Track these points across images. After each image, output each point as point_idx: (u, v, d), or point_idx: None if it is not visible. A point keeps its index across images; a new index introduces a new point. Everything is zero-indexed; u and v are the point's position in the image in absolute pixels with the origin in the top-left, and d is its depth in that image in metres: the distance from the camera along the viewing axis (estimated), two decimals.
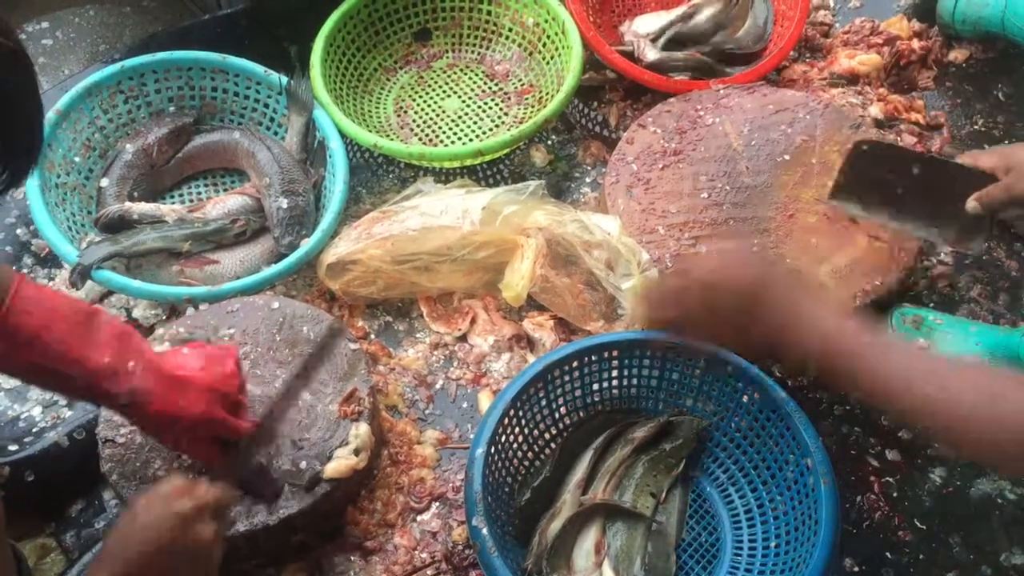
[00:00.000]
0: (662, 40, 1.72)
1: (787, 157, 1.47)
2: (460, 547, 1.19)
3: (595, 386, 1.25)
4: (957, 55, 1.78)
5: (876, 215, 1.32)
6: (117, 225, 1.42)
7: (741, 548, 1.17)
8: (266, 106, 1.59)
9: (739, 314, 1.00)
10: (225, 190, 1.57)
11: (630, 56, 1.68)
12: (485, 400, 1.33)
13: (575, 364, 1.21)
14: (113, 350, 0.97)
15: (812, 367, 1.02)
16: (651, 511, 1.18)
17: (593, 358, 1.22)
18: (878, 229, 1.36)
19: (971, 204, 1.20)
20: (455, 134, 1.66)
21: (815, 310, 0.98)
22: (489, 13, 1.74)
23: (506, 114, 1.68)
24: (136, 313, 1.39)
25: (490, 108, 1.70)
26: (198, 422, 1.03)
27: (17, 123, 0.77)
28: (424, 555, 1.19)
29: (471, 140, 1.64)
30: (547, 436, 1.24)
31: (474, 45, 1.77)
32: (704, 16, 1.76)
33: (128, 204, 1.45)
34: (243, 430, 1.10)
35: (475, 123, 1.67)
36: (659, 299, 1.13)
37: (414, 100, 1.71)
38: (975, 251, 1.33)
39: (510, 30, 1.74)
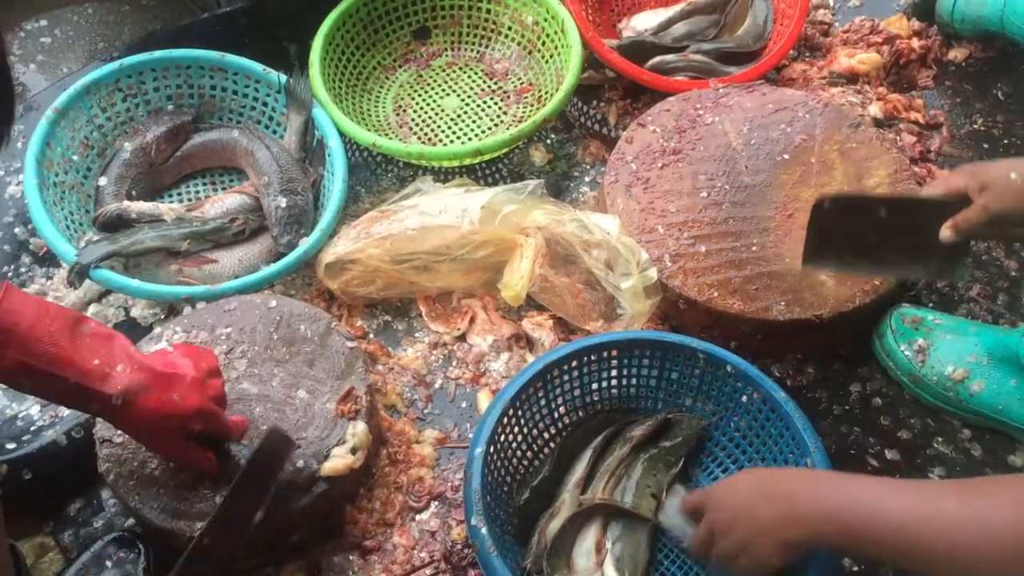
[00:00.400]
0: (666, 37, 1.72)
1: (786, 156, 1.47)
2: (459, 546, 1.19)
3: (594, 386, 1.25)
4: (956, 54, 1.78)
5: (854, 269, 1.29)
6: (115, 224, 1.41)
7: None
8: (265, 105, 1.59)
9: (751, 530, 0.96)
10: (224, 189, 1.56)
11: (631, 47, 1.68)
12: (484, 399, 1.33)
13: (574, 364, 1.21)
14: (102, 353, 0.97)
15: (832, 543, 0.93)
16: (653, 512, 1.18)
17: (592, 358, 1.22)
18: None
19: (945, 233, 1.14)
20: (454, 133, 1.66)
21: (810, 484, 0.95)
22: (488, 11, 1.74)
23: (505, 113, 1.68)
24: (134, 312, 1.39)
25: (489, 107, 1.69)
26: (193, 417, 1.01)
27: None
28: (423, 554, 1.19)
29: (470, 139, 1.64)
30: (546, 436, 1.24)
31: (473, 44, 1.77)
32: (702, 15, 1.77)
33: (126, 203, 1.44)
34: (234, 427, 1.10)
35: (474, 122, 1.67)
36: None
37: (413, 99, 1.71)
38: (959, 279, 1.30)
39: (509, 28, 1.74)
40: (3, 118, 0.81)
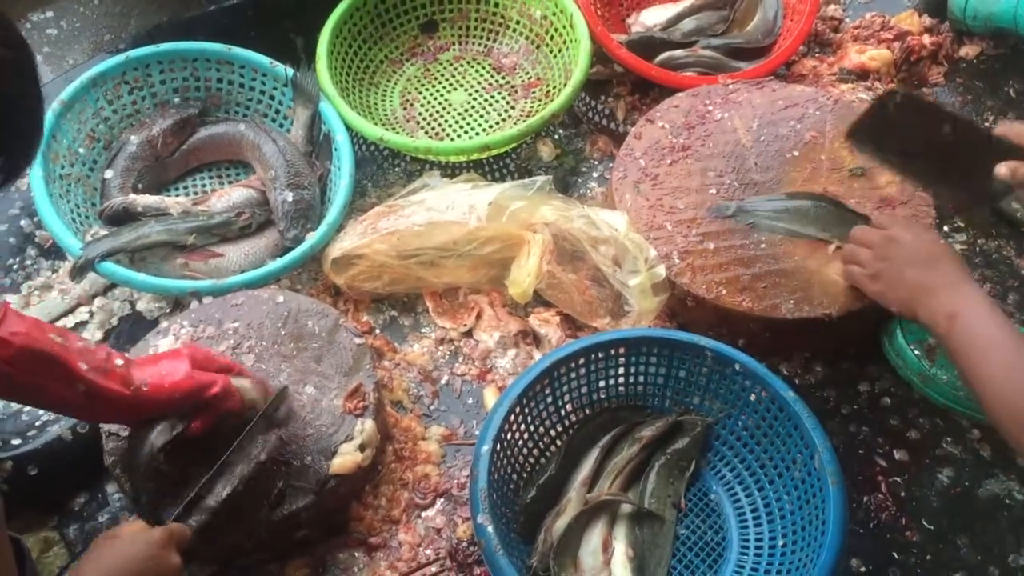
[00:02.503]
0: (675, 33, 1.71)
1: (796, 153, 1.46)
2: (465, 544, 1.19)
3: (601, 383, 1.24)
4: (968, 51, 1.77)
5: (889, 164, 1.29)
6: (121, 217, 1.41)
7: (748, 547, 1.16)
8: (272, 98, 1.58)
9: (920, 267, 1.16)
10: (230, 183, 1.56)
11: (640, 43, 1.67)
12: (490, 396, 1.32)
13: (581, 361, 1.21)
14: (99, 354, 1.00)
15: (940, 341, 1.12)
16: (674, 520, 1.17)
17: (600, 355, 1.21)
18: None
19: (1001, 170, 1.14)
20: (461, 127, 1.65)
21: (969, 291, 1.11)
22: (496, 5, 1.73)
23: (513, 108, 1.67)
24: (140, 306, 1.39)
25: (497, 101, 1.68)
26: (188, 389, 1.04)
27: (16, 129, 0.77)
28: (428, 552, 1.18)
29: (477, 134, 1.63)
30: (553, 433, 1.23)
31: (481, 38, 1.76)
32: (711, 10, 1.76)
33: (132, 196, 1.44)
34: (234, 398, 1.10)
35: (482, 116, 1.66)
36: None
37: (420, 93, 1.70)
38: (979, 218, 1.31)
39: (517, 23, 1.73)
40: (26, 158, 0.81)
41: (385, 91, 1.70)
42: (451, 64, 1.74)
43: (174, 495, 1.06)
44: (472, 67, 1.74)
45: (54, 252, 1.46)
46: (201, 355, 1.09)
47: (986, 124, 1.25)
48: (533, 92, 1.69)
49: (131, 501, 1.17)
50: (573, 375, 1.21)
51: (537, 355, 1.34)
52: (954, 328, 1.08)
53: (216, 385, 1.05)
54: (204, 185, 1.57)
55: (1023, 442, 0.98)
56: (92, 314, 1.38)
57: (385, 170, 1.59)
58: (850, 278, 1.28)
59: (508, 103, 1.68)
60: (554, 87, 1.66)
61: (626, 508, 1.17)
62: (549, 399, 1.21)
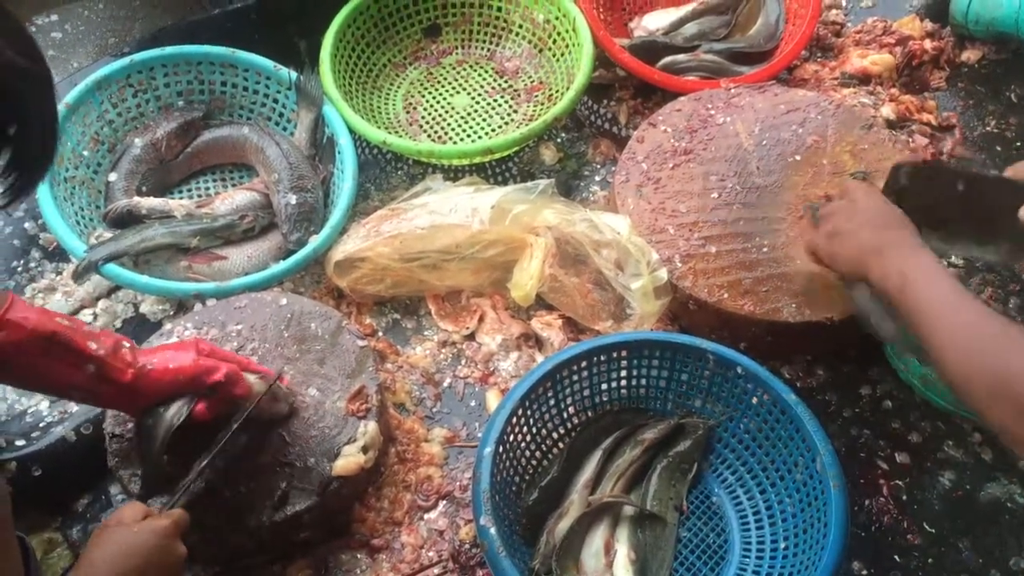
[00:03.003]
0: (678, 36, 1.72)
1: (798, 157, 1.46)
2: (467, 546, 1.19)
3: (604, 386, 1.24)
4: (970, 56, 1.77)
5: (924, 239, 1.23)
6: (125, 220, 1.41)
7: (749, 550, 1.17)
8: (275, 101, 1.59)
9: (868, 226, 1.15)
10: (233, 185, 1.56)
11: (642, 47, 1.68)
12: (493, 399, 1.32)
13: (584, 364, 1.21)
14: (106, 336, 1.03)
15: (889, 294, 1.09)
16: (676, 523, 1.18)
17: (602, 358, 1.22)
18: None
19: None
20: (464, 131, 1.65)
21: (917, 253, 1.09)
22: (499, 9, 1.74)
23: (516, 111, 1.68)
24: (144, 308, 1.39)
25: (500, 105, 1.69)
26: (192, 373, 1.05)
27: (31, 138, 0.77)
28: (431, 554, 1.19)
29: (480, 137, 1.64)
30: (555, 436, 1.24)
31: (484, 42, 1.77)
32: (713, 14, 1.76)
33: (136, 199, 1.44)
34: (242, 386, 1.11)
35: (484, 120, 1.67)
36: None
37: (423, 96, 1.71)
38: None
39: (520, 27, 1.74)
40: (40, 173, 0.82)
41: (388, 95, 1.71)
42: (454, 68, 1.75)
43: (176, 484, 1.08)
44: (475, 71, 1.75)
45: (58, 254, 1.46)
46: (207, 347, 1.10)
47: (993, 172, 1.21)
48: (536, 96, 1.69)
49: (138, 498, 1.17)
50: (575, 378, 1.22)
51: (539, 358, 1.35)
52: (907, 286, 1.06)
53: (219, 371, 1.06)
54: (208, 188, 1.57)
55: (982, 401, 0.94)
56: (96, 316, 1.39)
57: (388, 173, 1.60)
58: (808, 246, 1.27)
59: (511, 107, 1.69)
60: (557, 91, 1.66)
61: (628, 510, 1.17)
62: (551, 402, 1.21)
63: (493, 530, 1.03)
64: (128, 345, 1.04)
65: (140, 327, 1.37)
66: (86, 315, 1.39)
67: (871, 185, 1.25)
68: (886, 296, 1.11)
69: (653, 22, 1.77)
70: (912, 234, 1.14)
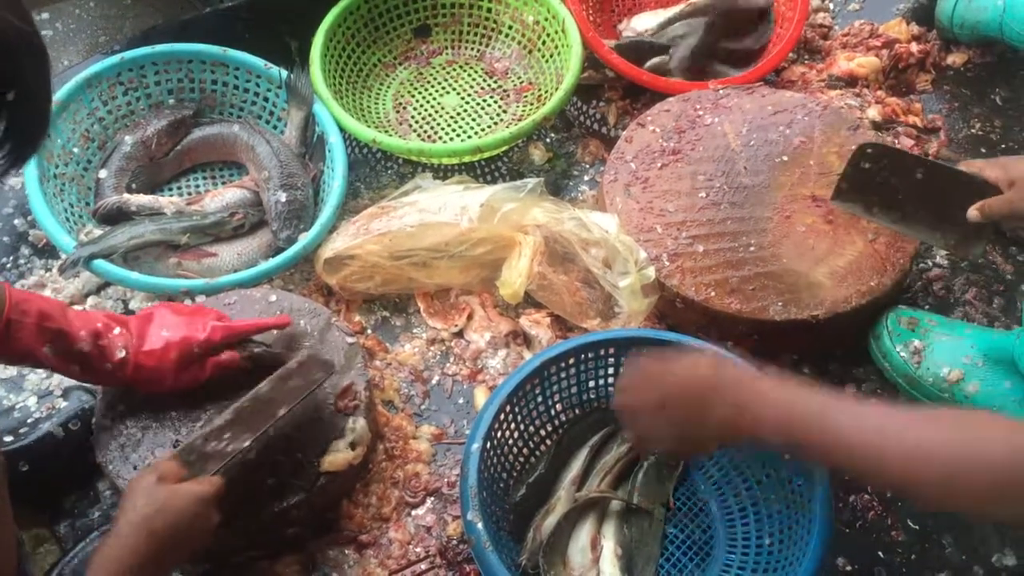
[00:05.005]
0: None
1: (785, 158, 1.48)
2: (454, 542, 1.19)
3: (591, 383, 1.25)
4: (955, 59, 1.79)
5: (879, 218, 1.33)
6: (115, 216, 1.42)
7: (735, 545, 1.17)
8: (266, 100, 1.59)
9: (692, 417, 0.99)
10: (224, 183, 1.57)
11: (631, 47, 1.69)
12: (481, 396, 1.33)
13: (571, 361, 1.22)
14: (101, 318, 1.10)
15: (774, 442, 0.96)
16: (662, 519, 1.19)
17: (590, 355, 1.22)
18: (876, 230, 1.37)
19: (972, 213, 1.20)
20: (454, 131, 1.66)
21: (767, 386, 0.95)
22: (489, 10, 1.75)
23: (505, 111, 1.68)
24: (133, 305, 1.39)
25: (489, 105, 1.70)
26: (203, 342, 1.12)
27: (28, 106, 0.78)
28: (418, 549, 1.19)
29: (470, 137, 1.65)
30: (543, 432, 1.24)
31: (474, 42, 1.78)
32: (702, 16, 1.77)
33: (126, 196, 1.45)
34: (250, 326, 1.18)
35: (474, 120, 1.67)
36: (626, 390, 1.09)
37: (413, 96, 1.71)
38: (974, 257, 1.37)
39: (510, 28, 1.75)
40: (32, 145, 0.82)
41: (378, 94, 1.71)
42: (444, 68, 1.76)
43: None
44: (465, 71, 1.76)
45: (48, 251, 1.46)
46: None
47: (951, 165, 1.27)
48: (525, 96, 1.70)
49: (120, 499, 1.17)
50: (563, 375, 1.22)
51: (527, 355, 1.35)
52: (794, 428, 0.91)
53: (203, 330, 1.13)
54: (198, 186, 1.58)
55: (982, 498, 0.81)
56: None
57: (378, 172, 1.60)
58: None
59: (500, 107, 1.69)
60: (546, 91, 1.67)
61: (615, 506, 1.18)
62: (539, 399, 1.22)
63: (480, 526, 1.04)
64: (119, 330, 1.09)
65: None
66: None
67: (679, 360, 1.05)
68: (777, 450, 1.05)
69: (641, 23, 1.78)
70: (720, 374, 0.98)
